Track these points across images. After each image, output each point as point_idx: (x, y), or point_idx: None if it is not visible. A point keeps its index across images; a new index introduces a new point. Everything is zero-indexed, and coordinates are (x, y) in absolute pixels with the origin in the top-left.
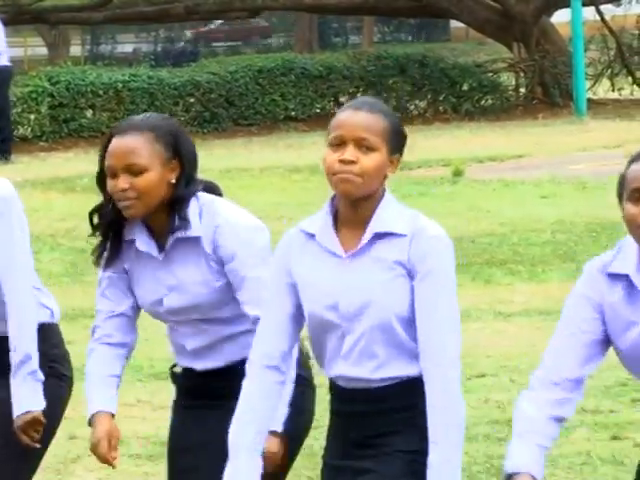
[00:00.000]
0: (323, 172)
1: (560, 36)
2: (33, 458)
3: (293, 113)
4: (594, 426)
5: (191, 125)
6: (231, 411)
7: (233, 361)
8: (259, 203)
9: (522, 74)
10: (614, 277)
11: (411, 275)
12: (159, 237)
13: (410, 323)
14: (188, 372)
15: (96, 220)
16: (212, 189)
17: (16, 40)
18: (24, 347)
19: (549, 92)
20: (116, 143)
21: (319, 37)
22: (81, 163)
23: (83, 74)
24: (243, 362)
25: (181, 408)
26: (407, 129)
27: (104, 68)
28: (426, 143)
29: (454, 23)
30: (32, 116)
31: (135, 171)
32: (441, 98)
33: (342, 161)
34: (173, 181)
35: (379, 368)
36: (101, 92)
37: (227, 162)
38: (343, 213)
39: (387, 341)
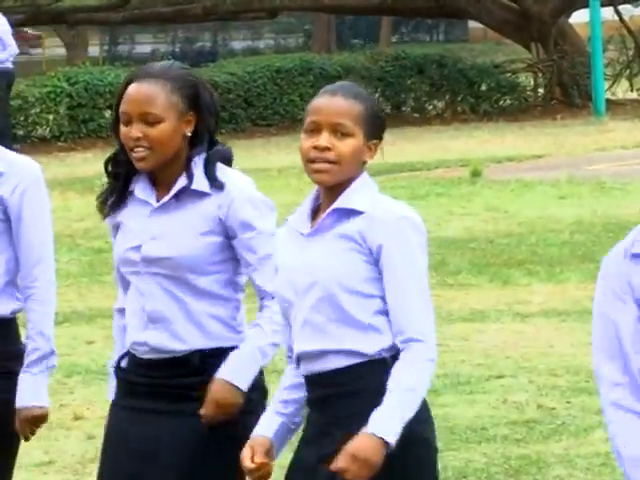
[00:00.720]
0: None
1: (578, 36)
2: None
3: None
4: None
5: None
6: (189, 417)
7: (191, 350)
8: (277, 204)
9: (540, 74)
10: (638, 257)
11: (371, 252)
12: (160, 187)
13: (363, 298)
14: (137, 360)
15: (111, 168)
16: (224, 156)
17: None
18: (48, 341)
19: (567, 92)
20: (133, 89)
21: (337, 37)
22: (99, 163)
23: (101, 74)
24: (200, 356)
25: (127, 410)
26: (425, 130)
27: (123, 68)
28: (444, 143)
29: (472, 23)
30: (50, 116)
31: (150, 121)
32: (459, 98)
33: (316, 147)
34: (189, 134)
35: (329, 342)
36: None
37: (245, 163)
38: (322, 198)
39: (335, 315)
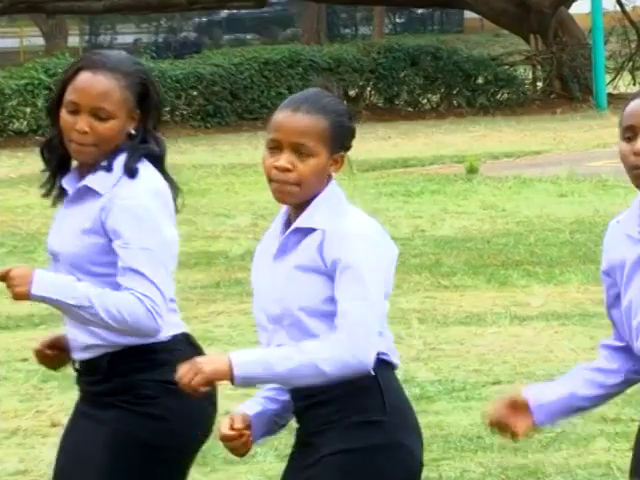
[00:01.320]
0: None
1: (579, 28)
2: None
3: None
4: (614, 436)
5: (194, 119)
6: (95, 423)
7: (95, 355)
8: (263, 200)
9: (539, 67)
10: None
11: (328, 270)
12: (83, 178)
13: (328, 318)
14: (74, 363)
15: (46, 154)
16: (152, 153)
17: (11, 30)
18: None
19: (568, 86)
20: (87, 80)
21: (327, 28)
22: None
23: None
24: (109, 360)
25: (74, 408)
26: (419, 124)
27: None
28: (439, 138)
29: (468, 14)
30: (28, 109)
31: (101, 116)
32: (455, 92)
33: (277, 168)
34: (132, 132)
35: None
36: None
37: (231, 158)
38: (289, 212)
39: (306, 337)
